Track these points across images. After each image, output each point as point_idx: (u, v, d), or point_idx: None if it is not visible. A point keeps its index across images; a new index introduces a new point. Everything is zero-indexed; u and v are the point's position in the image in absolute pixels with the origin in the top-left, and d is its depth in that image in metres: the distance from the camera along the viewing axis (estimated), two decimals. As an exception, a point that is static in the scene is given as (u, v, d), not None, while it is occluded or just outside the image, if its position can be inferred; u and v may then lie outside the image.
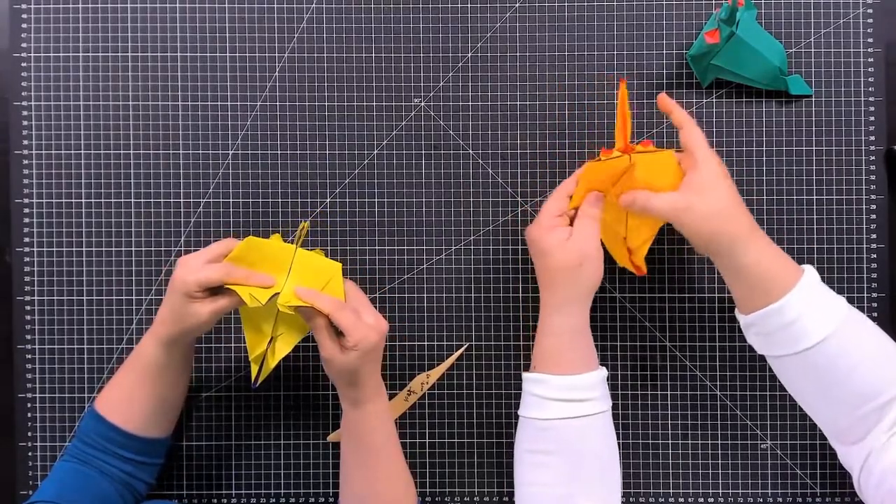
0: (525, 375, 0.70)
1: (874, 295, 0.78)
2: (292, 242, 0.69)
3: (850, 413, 0.62)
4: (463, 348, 0.78)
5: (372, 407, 0.68)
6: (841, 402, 0.63)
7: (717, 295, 0.78)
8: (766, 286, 0.63)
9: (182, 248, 0.78)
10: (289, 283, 0.68)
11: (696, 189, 0.65)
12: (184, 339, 0.68)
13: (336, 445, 0.78)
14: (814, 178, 0.78)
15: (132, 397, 0.69)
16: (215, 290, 0.67)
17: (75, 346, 0.78)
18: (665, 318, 0.78)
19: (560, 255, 0.67)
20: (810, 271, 0.65)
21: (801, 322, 0.62)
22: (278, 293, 0.66)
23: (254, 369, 0.69)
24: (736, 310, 0.68)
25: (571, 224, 0.69)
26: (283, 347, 0.69)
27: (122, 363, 0.70)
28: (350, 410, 0.68)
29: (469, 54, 0.78)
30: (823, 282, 0.65)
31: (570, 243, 0.67)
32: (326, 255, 0.75)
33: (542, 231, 0.69)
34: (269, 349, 0.69)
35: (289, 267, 0.68)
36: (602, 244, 0.70)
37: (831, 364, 0.62)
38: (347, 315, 0.65)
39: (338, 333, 0.66)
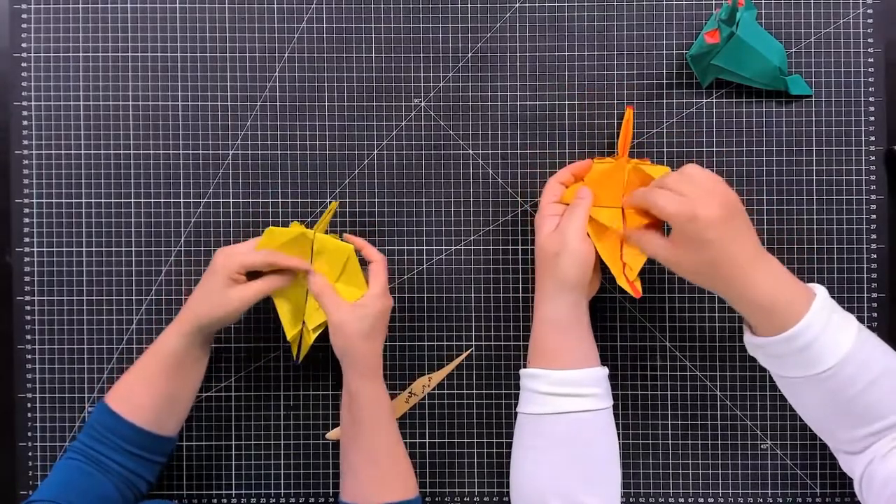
0: (521, 371, 0.70)
1: (874, 295, 0.78)
2: (311, 227, 0.73)
3: (859, 430, 0.62)
4: (466, 353, 0.78)
5: (378, 382, 0.70)
6: (851, 419, 0.62)
7: (716, 295, 0.78)
8: (775, 313, 0.61)
9: (182, 248, 0.78)
10: (314, 266, 0.72)
11: (681, 243, 0.63)
12: (209, 328, 0.70)
13: (336, 445, 0.78)
14: (814, 178, 0.78)
15: (143, 391, 0.69)
16: (249, 279, 0.70)
17: (75, 346, 0.78)
18: (665, 318, 0.78)
19: (543, 245, 0.69)
20: (821, 293, 0.62)
21: (814, 348, 0.60)
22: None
23: (293, 348, 0.73)
24: (745, 328, 0.66)
25: None
26: (318, 322, 0.72)
27: (138, 359, 0.71)
28: (363, 384, 0.69)
29: (469, 54, 0.78)
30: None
31: (552, 233, 0.68)
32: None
33: (539, 219, 0.70)
34: (305, 328, 0.72)
35: (310, 251, 0.72)
36: (599, 256, 0.69)
37: (844, 386, 0.61)
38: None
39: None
